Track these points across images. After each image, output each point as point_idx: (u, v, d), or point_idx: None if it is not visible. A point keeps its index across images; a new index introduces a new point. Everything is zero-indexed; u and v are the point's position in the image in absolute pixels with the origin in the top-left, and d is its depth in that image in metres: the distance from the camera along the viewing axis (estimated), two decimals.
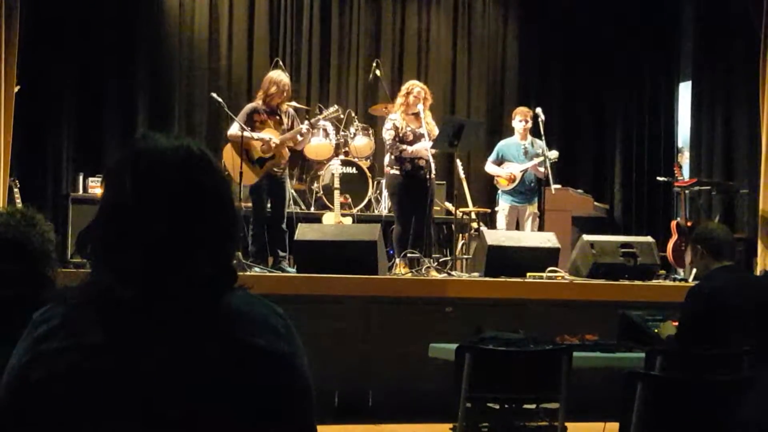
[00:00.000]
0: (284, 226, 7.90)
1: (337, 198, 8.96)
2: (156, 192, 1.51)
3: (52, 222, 2.86)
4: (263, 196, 7.94)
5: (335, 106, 9.17)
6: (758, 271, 8.85)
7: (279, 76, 8.04)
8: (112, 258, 1.51)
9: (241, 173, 7.96)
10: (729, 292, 4.66)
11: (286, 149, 7.95)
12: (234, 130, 7.84)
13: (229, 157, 7.84)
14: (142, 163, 1.53)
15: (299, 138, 8.05)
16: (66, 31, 9.83)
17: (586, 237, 7.53)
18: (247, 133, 7.76)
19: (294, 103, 8.41)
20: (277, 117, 7.96)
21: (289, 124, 8.01)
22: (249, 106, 8.04)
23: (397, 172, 8.12)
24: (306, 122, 8.47)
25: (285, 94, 7.97)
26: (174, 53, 10.42)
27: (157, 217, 1.49)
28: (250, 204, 8.84)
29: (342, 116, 9.49)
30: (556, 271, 7.15)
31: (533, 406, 4.88)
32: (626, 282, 7.15)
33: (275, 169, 7.92)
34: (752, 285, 5.07)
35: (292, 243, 7.49)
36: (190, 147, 1.56)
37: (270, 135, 7.82)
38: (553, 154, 8.90)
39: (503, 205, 9.10)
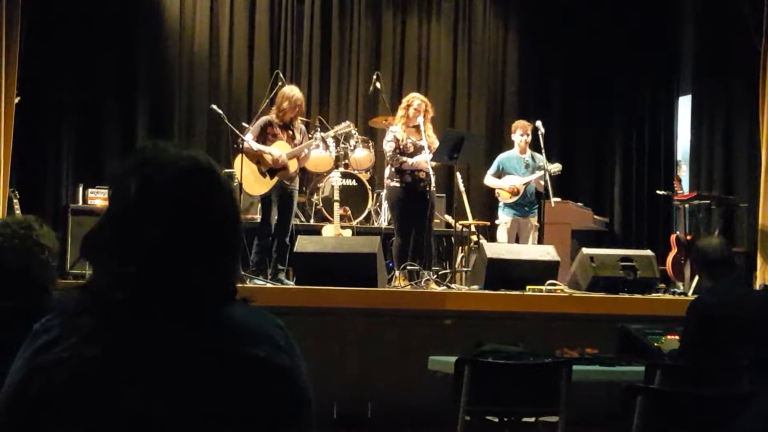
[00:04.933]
0: (287, 240, 7.91)
1: (337, 210, 8.96)
2: (158, 198, 1.51)
3: None
4: (272, 207, 7.97)
5: (347, 121, 9.19)
6: (758, 286, 8.84)
7: (292, 91, 8.09)
8: (110, 261, 1.51)
9: (240, 184, 8.00)
10: (728, 306, 4.66)
11: (295, 162, 7.99)
12: (246, 141, 7.89)
13: (241, 166, 7.87)
14: (148, 169, 1.53)
15: (305, 152, 8.08)
16: (66, 44, 9.85)
17: (585, 250, 7.53)
18: (257, 146, 7.83)
19: None
20: (290, 131, 8.00)
21: (301, 139, 8.06)
22: (264, 119, 8.09)
23: (398, 185, 8.12)
24: (318, 135, 8.54)
25: (297, 110, 8.02)
26: (174, 65, 10.45)
27: (157, 222, 1.50)
28: (250, 216, 8.88)
29: (353, 132, 9.51)
30: (555, 285, 7.14)
31: (532, 420, 4.88)
32: (626, 295, 7.14)
33: (285, 181, 7.95)
34: (751, 299, 5.07)
35: (292, 255, 7.49)
36: (197, 158, 1.57)
37: (278, 151, 7.85)
38: (556, 167, 8.91)
39: (505, 218, 9.09)
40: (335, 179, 9.14)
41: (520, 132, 9.13)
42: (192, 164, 1.55)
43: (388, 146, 8.18)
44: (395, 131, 8.20)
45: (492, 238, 9.42)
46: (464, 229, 9.40)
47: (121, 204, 1.53)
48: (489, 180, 9.19)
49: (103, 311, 1.49)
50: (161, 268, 1.50)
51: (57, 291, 2.73)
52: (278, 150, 7.87)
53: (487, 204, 10.18)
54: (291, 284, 7.51)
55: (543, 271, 7.22)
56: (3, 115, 8.04)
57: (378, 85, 9.80)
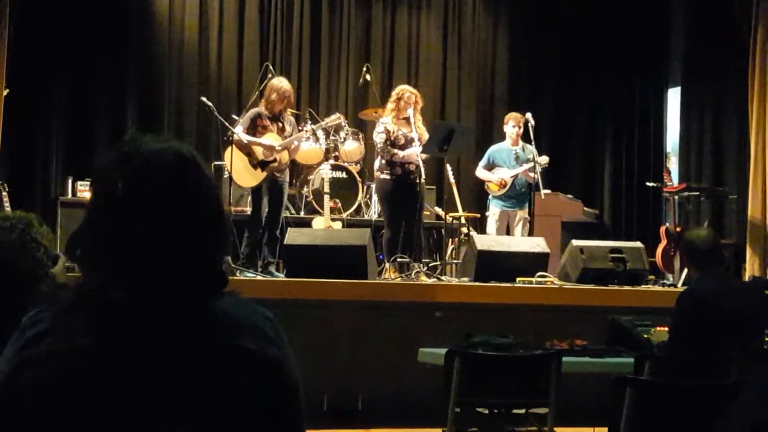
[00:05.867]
0: (278, 232, 7.91)
1: (327, 202, 8.96)
2: (146, 193, 1.51)
3: None
4: (262, 200, 7.97)
5: (337, 113, 9.20)
6: (747, 277, 8.87)
7: (280, 83, 8.08)
8: (101, 259, 1.51)
9: (231, 176, 8.00)
10: (716, 297, 4.68)
11: (286, 153, 7.99)
12: (236, 133, 7.89)
13: (231, 159, 7.87)
14: (134, 164, 1.53)
15: (294, 144, 8.09)
16: (56, 36, 9.82)
17: (575, 242, 7.54)
18: (249, 138, 7.83)
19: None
20: (280, 123, 8.00)
21: (291, 131, 8.06)
22: (253, 111, 8.09)
23: (388, 177, 8.13)
24: (308, 127, 8.56)
25: (286, 101, 8.02)
26: (164, 57, 10.42)
27: (147, 217, 1.50)
28: (240, 208, 8.87)
29: (343, 124, 9.51)
30: (545, 276, 7.15)
31: (522, 411, 4.89)
32: (615, 287, 7.16)
33: (276, 173, 7.95)
34: (739, 290, 5.10)
35: (282, 247, 7.49)
36: (180, 149, 1.56)
37: (271, 141, 7.85)
38: (544, 160, 8.91)
39: (494, 210, 9.10)
40: (325, 171, 9.14)
41: (512, 123, 9.12)
42: (176, 156, 1.55)
43: (378, 138, 8.18)
44: (386, 123, 8.20)
45: (482, 229, 9.44)
46: (454, 221, 9.41)
47: (108, 201, 1.52)
48: (480, 172, 9.19)
49: (98, 307, 1.49)
50: (152, 262, 1.50)
51: (47, 288, 2.72)
52: (269, 139, 7.86)
53: (477, 196, 10.19)
54: (281, 276, 7.51)
55: (533, 262, 7.23)
56: None
57: (368, 77, 9.78)
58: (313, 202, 9.32)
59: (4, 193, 8.42)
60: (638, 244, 7.78)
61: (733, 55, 9.85)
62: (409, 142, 8.10)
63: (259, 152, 7.89)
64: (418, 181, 8.03)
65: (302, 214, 9.44)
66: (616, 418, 3.83)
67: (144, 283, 1.49)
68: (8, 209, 8.02)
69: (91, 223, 1.54)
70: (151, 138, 1.57)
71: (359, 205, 9.55)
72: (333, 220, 9.02)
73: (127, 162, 1.53)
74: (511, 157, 9.05)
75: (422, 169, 7.97)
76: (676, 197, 10.13)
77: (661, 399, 3.91)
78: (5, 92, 8.21)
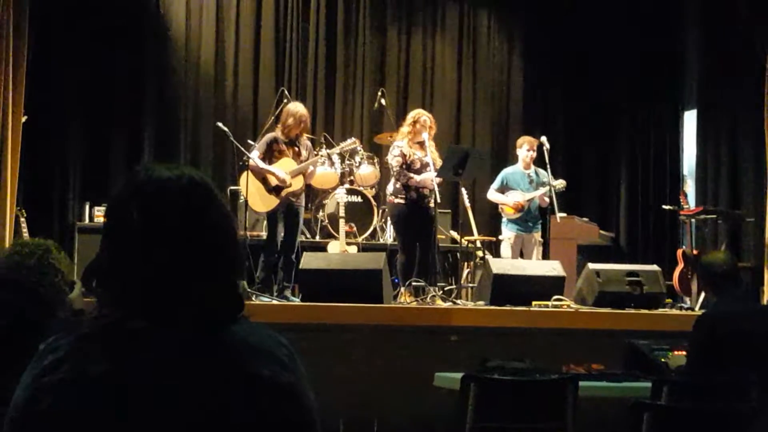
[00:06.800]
0: (293, 256, 7.92)
1: (342, 227, 8.97)
2: (161, 221, 1.52)
3: None
4: (278, 224, 7.99)
5: (353, 138, 9.23)
6: (765, 300, 8.81)
7: (296, 107, 8.13)
8: (117, 287, 1.52)
9: (246, 201, 8.03)
10: (734, 321, 4.65)
11: (301, 178, 8.01)
12: (252, 159, 7.92)
13: (246, 183, 7.90)
14: (148, 191, 1.54)
15: (311, 169, 8.12)
16: (72, 63, 9.90)
17: (591, 265, 7.51)
18: (262, 165, 7.88)
19: None
20: (296, 148, 8.04)
21: (307, 156, 8.09)
22: (269, 136, 8.12)
23: (402, 201, 8.12)
24: (323, 152, 8.59)
25: (302, 126, 8.05)
26: (180, 83, 10.49)
27: (163, 244, 1.50)
28: (256, 233, 8.89)
29: (359, 148, 9.54)
30: (561, 300, 7.13)
31: None
32: (632, 311, 7.12)
33: (291, 198, 7.97)
34: (758, 314, 5.06)
35: (298, 272, 7.49)
36: (192, 176, 1.57)
37: (283, 172, 7.87)
38: (561, 184, 8.89)
39: (508, 234, 9.07)
40: (340, 196, 9.15)
41: (526, 147, 9.11)
42: (189, 182, 1.56)
43: (395, 161, 8.18)
44: (401, 146, 8.21)
45: (497, 253, 9.42)
46: (470, 245, 9.40)
47: (123, 229, 1.53)
48: (492, 195, 9.17)
49: (114, 335, 1.49)
50: (167, 289, 1.50)
51: (65, 313, 2.74)
52: (282, 171, 7.89)
53: (492, 219, 10.18)
54: (297, 301, 7.52)
55: (549, 286, 7.20)
56: (10, 134, 8.07)
57: (383, 101, 9.82)
58: (329, 227, 9.33)
59: (23, 219, 8.47)
60: (655, 267, 7.74)
61: (750, 76, 9.83)
62: (424, 167, 8.11)
63: (272, 181, 7.92)
64: (431, 204, 8.03)
65: (317, 238, 9.45)
66: None
67: (159, 309, 1.50)
68: (26, 235, 8.07)
69: (107, 252, 1.55)
70: (162, 166, 1.58)
71: (374, 229, 9.56)
72: (348, 244, 9.03)
73: (141, 190, 1.54)
74: (525, 180, 9.03)
75: (437, 193, 7.97)
76: (693, 220, 10.09)
77: (679, 424, 3.88)
78: (24, 119, 8.27)
